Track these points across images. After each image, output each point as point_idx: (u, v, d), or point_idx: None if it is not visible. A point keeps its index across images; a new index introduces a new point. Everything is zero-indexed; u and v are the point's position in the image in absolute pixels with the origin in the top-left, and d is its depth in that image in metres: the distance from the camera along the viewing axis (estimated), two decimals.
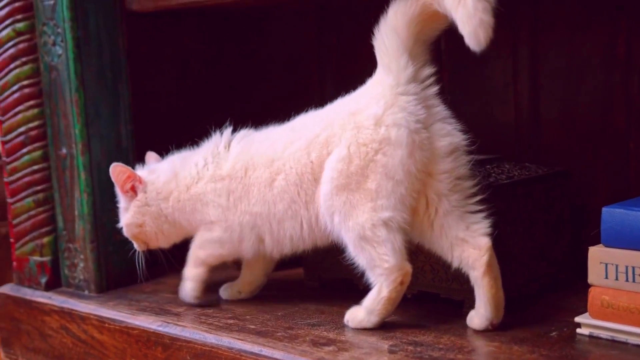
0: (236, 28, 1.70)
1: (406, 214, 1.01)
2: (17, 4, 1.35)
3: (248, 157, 1.15)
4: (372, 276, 1.04)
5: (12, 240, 1.45)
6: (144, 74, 1.50)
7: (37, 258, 1.41)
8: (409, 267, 1.03)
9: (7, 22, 1.36)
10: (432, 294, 1.14)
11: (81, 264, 1.37)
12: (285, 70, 1.69)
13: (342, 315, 1.13)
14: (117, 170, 1.21)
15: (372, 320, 1.06)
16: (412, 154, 1.00)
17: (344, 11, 1.60)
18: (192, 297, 1.21)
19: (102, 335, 1.25)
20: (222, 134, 1.20)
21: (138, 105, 1.43)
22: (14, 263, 1.45)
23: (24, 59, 1.37)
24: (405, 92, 1.03)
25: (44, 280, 1.41)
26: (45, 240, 1.41)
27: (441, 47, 1.46)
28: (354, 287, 1.23)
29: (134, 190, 1.21)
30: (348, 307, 1.17)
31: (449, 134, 1.03)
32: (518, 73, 1.38)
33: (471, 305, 1.08)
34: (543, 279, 1.18)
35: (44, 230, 1.40)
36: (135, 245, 1.25)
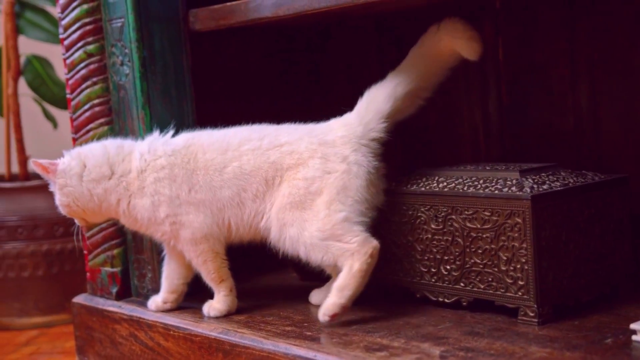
0: (298, 44, 1.74)
1: (359, 216, 1.19)
2: (87, 27, 1.42)
3: (197, 145, 1.25)
4: (341, 262, 1.16)
5: (85, 252, 1.52)
6: (208, 91, 1.55)
7: (108, 269, 1.48)
8: (376, 242, 1.17)
9: (79, 44, 1.43)
10: (486, 302, 1.15)
11: (149, 274, 1.42)
12: (346, 84, 1.72)
13: (398, 323, 1.15)
14: (35, 165, 1.29)
15: (346, 294, 1.15)
16: (368, 187, 1.20)
17: (403, 25, 1.62)
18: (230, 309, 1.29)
19: (168, 342, 1.30)
20: (161, 132, 1.31)
21: (202, 122, 1.48)
22: (87, 274, 1.52)
23: (94, 79, 1.44)
24: (367, 145, 1.23)
25: (114, 290, 1.47)
26: (116, 252, 1.47)
27: (499, 57, 1.47)
28: (411, 294, 1.25)
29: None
30: (404, 314, 1.19)
31: (382, 180, 1.25)
32: (577, 81, 1.37)
33: (526, 312, 1.09)
34: (600, 287, 1.17)
35: (114, 242, 1.47)
36: (77, 222, 1.33)
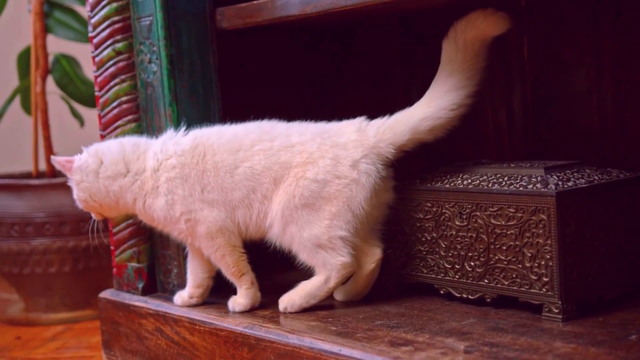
0: (322, 42, 1.75)
1: (355, 236, 1.23)
2: (116, 26, 1.44)
3: (206, 145, 1.27)
4: (321, 270, 1.23)
5: (112, 248, 1.54)
6: (234, 88, 1.57)
7: (134, 264, 1.50)
8: (352, 268, 1.24)
9: (108, 42, 1.46)
10: (510, 298, 1.15)
11: (175, 270, 1.44)
12: (371, 82, 1.73)
13: (422, 319, 1.16)
14: (54, 162, 1.34)
15: (311, 302, 1.25)
16: (370, 198, 1.23)
17: (428, 24, 1.63)
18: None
19: (193, 337, 1.31)
20: (175, 130, 1.33)
21: (226, 118, 1.49)
22: (114, 269, 1.54)
23: (122, 77, 1.46)
24: (378, 152, 1.24)
25: (141, 285, 1.48)
26: (142, 247, 1.49)
27: (524, 56, 1.48)
28: (435, 291, 1.26)
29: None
30: (428, 310, 1.20)
31: (389, 190, 1.27)
32: (601, 80, 1.37)
33: (550, 309, 1.09)
34: (624, 284, 1.17)
35: (140, 238, 1.48)
36: (93, 215, 1.36)
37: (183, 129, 1.32)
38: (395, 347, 1.04)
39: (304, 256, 1.24)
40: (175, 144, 1.29)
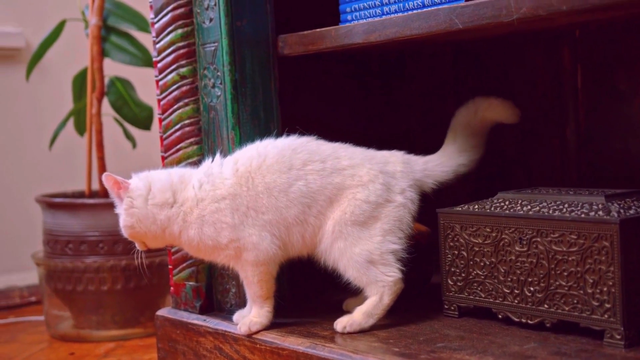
0: (373, 68, 1.79)
1: (404, 253, 1.31)
2: (181, 51, 1.49)
3: (252, 169, 1.30)
4: (373, 288, 1.28)
5: (170, 267, 1.57)
6: (291, 112, 1.60)
7: (192, 283, 1.53)
8: (402, 285, 1.30)
9: (172, 67, 1.50)
10: (570, 323, 1.17)
11: (233, 290, 1.47)
12: (423, 108, 1.76)
13: (482, 342, 1.18)
14: (105, 180, 1.34)
15: (370, 322, 1.29)
16: (412, 222, 1.33)
17: (479, 53, 1.66)
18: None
19: (254, 356, 1.34)
20: (213, 158, 1.36)
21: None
22: (171, 288, 1.58)
23: (186, 100, 1.50)
24: (422, 185, 1.36)
25: (198, 304, 1.52)
26: (201, 266, 1.52)
27: (578, 85, 1.50)
28: (493, 315, 1.27)
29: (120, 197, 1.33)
30: (488, 334, 1.22)
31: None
32: None
33: (612, 335, 1.11)
34: None
35: None
36: (137, 245, 1.37)
37: (218, 157, 1.36)
38: None
39: (354, 273, 1.29)
40: (219, 175, 1.32)
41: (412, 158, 1.38)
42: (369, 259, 1.27)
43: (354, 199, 1.29)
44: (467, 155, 1.39)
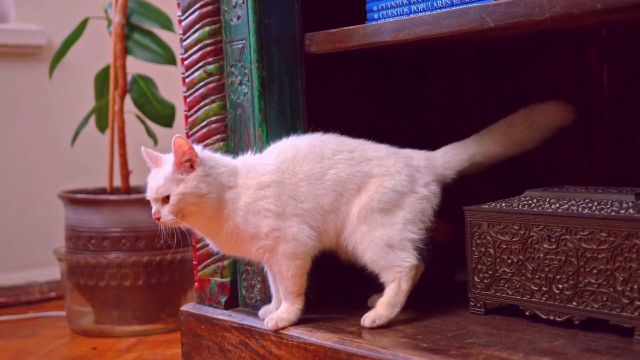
0: (400, 67, 1.79)
1: (422, 242, 1.34)
2: (208, 48, 1.50)
3: (290, 158, 1.33)
4: (390, 274, 1.31)
5: (194, 262, 1.58)
6: (316, 110, 1.61)
7: (217, 279, 1.54)
8: (420, 265, 1.34)
9: (200, 64, 1.51)
10: (598, 321, 1.17)
11: (258, 285, 1.48)
12: (446, 108, 1.76)
13: (511, 338, 1.18)
14: (179, 142, 1.25)
15: (395, 311, 1.31)
16: (433, 215, 1.36)
17: (503, 52, 1.66)
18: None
19: (280, 351, 1.35)
20: (245, 154, 1.39)
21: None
22: (196, 283, 1.59)
23: (212, 97, 1.51)
24: (444, 179, 1.40)
25: (223, 299, 1.53)
26: (226, 262, 1.53)
27: (604, 85, 1.50)
28: (519, 312, 1.28)
29: (190, 163, 1.27)
30: (516, 330, 1.22)
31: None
32: None
33: None
34: None
35: None
36: (169, 221, 1.27)
37: (250, 152, 1.39)
38: None
39: (372, 255, 1.31)
40: (261, 164, 1.34)
41: (432, 154, 1.42)
42: (388, 243, 1.31)
43: (381, 186, 1.33)
44: (491, 151, 1.41)
